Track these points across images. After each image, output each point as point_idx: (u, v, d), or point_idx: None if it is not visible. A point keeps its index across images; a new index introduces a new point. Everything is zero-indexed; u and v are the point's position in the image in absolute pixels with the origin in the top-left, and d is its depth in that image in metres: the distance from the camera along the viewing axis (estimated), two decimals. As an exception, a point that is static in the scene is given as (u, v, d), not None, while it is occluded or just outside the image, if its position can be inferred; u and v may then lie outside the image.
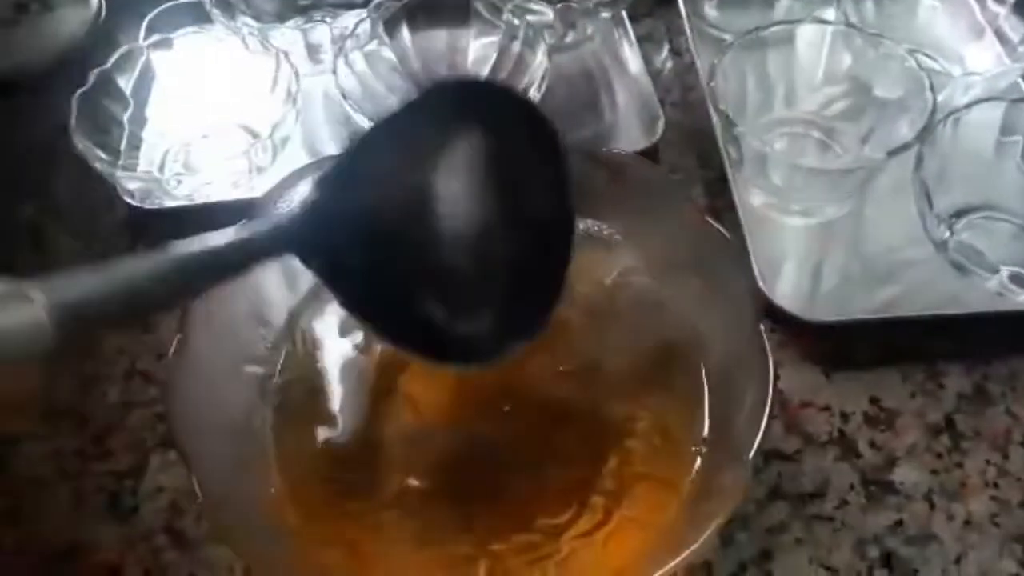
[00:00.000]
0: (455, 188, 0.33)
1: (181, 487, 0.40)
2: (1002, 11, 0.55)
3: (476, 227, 0.33)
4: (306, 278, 0.39)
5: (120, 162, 0.49)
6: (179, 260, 0.27)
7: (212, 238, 0.28)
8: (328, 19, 0.55)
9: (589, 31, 0.57)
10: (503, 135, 0.33)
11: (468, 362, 0.34)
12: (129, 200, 0.48)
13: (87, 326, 0.25)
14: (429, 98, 0.32)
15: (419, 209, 0.33)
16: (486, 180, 0.33)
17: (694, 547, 0.30)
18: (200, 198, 0.48)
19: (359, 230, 0.31)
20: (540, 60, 0.50)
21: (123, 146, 0.50)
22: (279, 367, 0.39)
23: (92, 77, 0.49)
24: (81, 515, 0.39)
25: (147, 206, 0.48)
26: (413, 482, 0.36)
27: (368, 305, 0.32)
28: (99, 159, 0.47)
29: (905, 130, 0.46)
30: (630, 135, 0.53)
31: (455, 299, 0.34)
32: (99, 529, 0.39)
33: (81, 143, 0.46)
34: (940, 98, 0.46)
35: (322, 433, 0.38)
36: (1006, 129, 0.48)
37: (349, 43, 0.51)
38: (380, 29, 0.53)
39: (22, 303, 0.23)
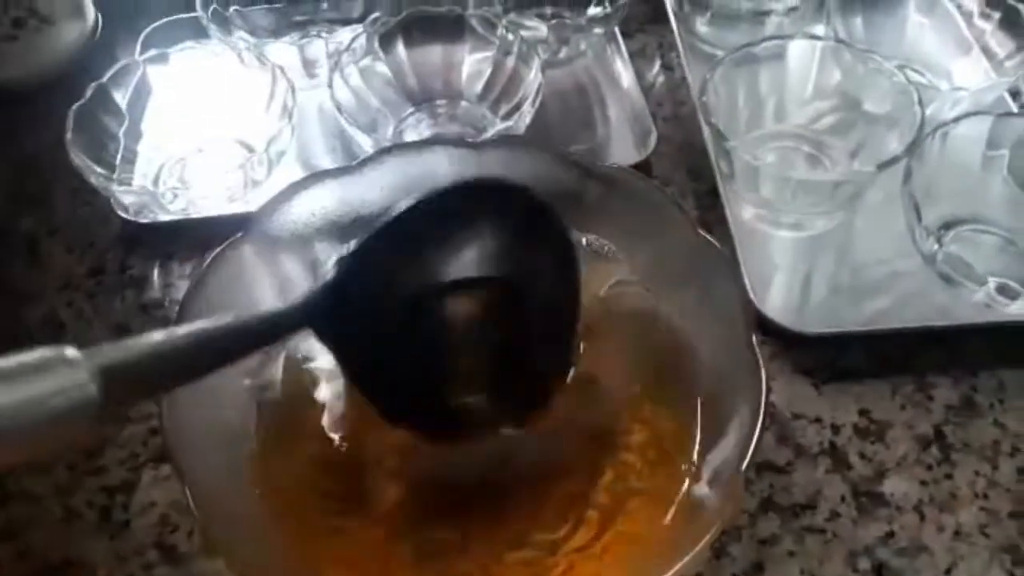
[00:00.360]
0: (467, 283, 0.35)
1: (173, 502, 0.40)
2: (988, 27, 0.55)
3: (482, 320, 0.36)
4: (300, 290, 0.40)
5: (115, 176, 0.49)
6: (216, 332, 0.29)
7: (244, 315, 0.31)
8: (324, 34, 0.55)
9: (582, 47, 0.58)
10: (518, 234, 0.35)
11: (462, 436, 0.36)
12: (124, 214, 0.49)
13: (130, 392, 0.26)
14: (449, 194, 0.34)
15: (431, 300, 0.35)
16: (497, 275, 0.36)
17: (687, 560, 0.30)
18: (195, 212, 0.48)
19: (372, 313, 0.33)
20: (534, 75, 0.51)
21: (118, 160, 0.50)
22: (272, 380, 0.39)
23: (89, 91, 0.49)
24: (73, 530, 0.39)
25: (142, 220, 0.49)
26: (408, 498, 0.36)
27: (374, 383, 0.34)
28: (95, 173, 0.47)
29: (894, 144, 0.47)
30: (623, 149, 0.53)
31: (460, 382, 0.36)
32: (90, 544, 0.39)
33: (77, 157, 0.46)
34: (928, 112, 0.47)
35: (315, 447, 0.37)
36: (992, 143, 0.48)
37: (345, 58, 0.51)
38: (376, 44, 0.53)
39: (65, 367, 0.23)
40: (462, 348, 0.36)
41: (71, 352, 0.24)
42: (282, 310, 0.32)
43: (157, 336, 0.27)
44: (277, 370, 0.39)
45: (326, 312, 0.32)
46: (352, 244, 0.33)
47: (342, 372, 0.35)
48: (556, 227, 0.35)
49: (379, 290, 0.33)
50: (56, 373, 0.23)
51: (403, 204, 0.33)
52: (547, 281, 0.36)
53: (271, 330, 0.31)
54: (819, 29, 0.57)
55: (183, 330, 0.28)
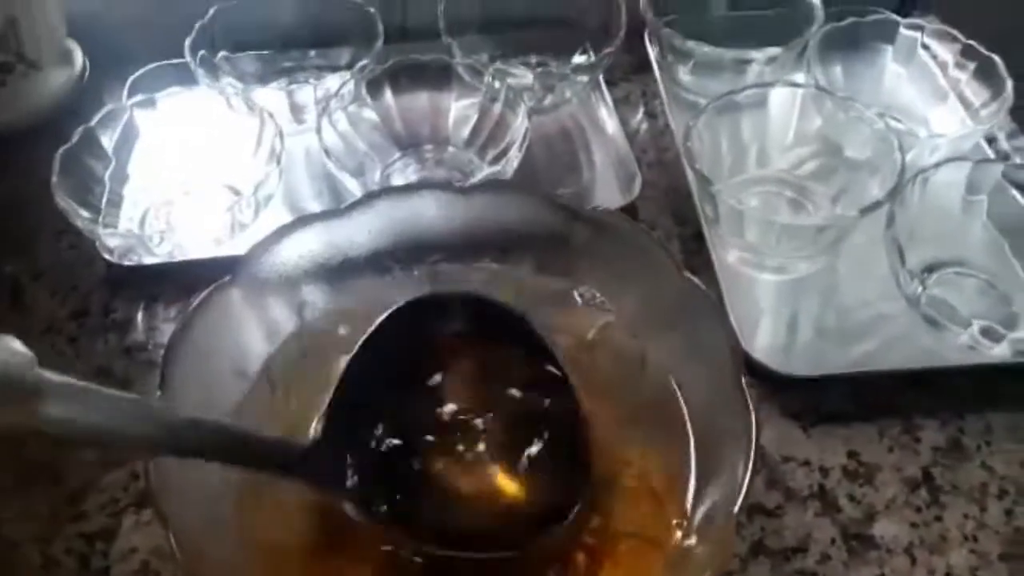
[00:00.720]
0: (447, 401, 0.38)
1: (155, 548, 0.39)
2: (963, 77, 0.57)
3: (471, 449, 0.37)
4: (286, 329, 0.39)
5: (101, 219, 0.49)
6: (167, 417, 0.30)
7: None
8: (312, 80, 0.56)
9: (567, 94, 0.59)
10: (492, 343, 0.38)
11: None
12: (109, 257, 0.48)
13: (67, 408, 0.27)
14: (404, 315, 0.37)
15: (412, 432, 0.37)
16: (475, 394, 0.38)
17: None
18: (181, 255, 0.48)
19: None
20: (520, 121, 0.51)
21: (104, 203, 0.50)
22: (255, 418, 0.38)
23: (76, 135, 0.49)
24: (51, 578, 0.38)
25: (127, 263, 0.48)
26: (390, 549, 0.35)
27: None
28: (80, 216, 0.47)
29: (875, 190, 0.48)
30: (608, 194, 0.54)
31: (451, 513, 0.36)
32: (69, 593, 0.38)
33: (62, 200, 0.46)
34: (908, 159, 0.48)
35: (299, 494, 0.37)
36: (972, 188, 0.49)
37: (333, 103, 0.52)
38: (363, 90, 0.54)
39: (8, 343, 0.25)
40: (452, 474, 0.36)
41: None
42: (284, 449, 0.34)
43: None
44: (256, 406, 0.38)
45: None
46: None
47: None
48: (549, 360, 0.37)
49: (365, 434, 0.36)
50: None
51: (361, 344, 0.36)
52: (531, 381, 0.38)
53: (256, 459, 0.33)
54: (799, 78, 0.58)
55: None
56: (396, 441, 0.37)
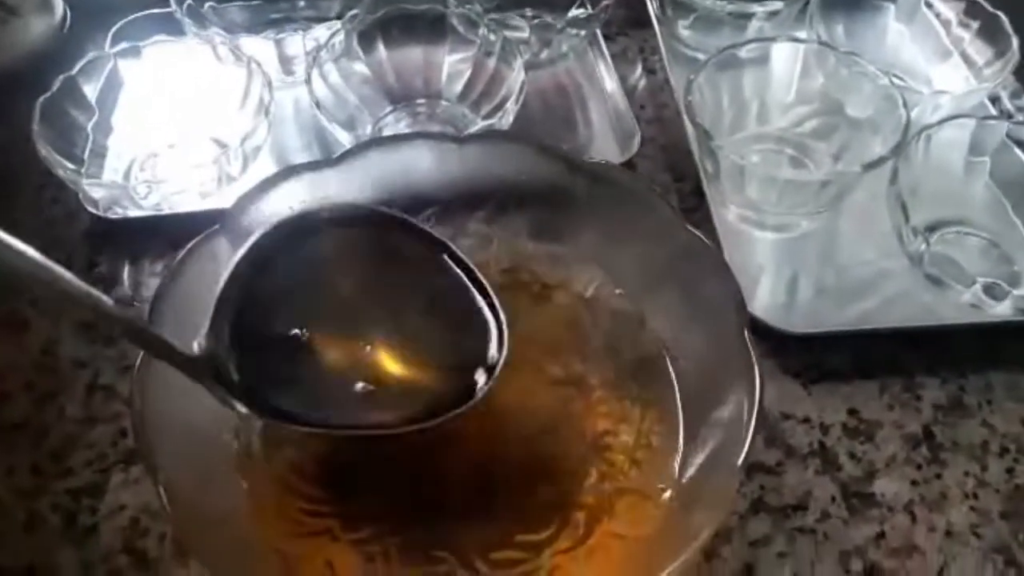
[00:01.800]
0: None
1: (144, 505, 0.38)
2: (967, 35, 0.56)
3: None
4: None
5: (84, 170, 0.47)
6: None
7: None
8: (301, 30, 0.54)
9: (564, 49, 0.57)
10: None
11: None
12: (93, 210, 0.47)
13: None
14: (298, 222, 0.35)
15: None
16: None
17: (678, 562, 0.29)
18: (167, 208, 0.47)
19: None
20: (516, 74, 0.50)
21: (87, 154, 0.49)
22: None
23: (56, 83, 0.48)
24: (37, 536, 0.37)
25: (111, 216, 0.47)
26: (392, 499, 0.35)
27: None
28: (62, 166, 0.45)
29: (877, 148, 0.47)
30: (606, 150, 0.53)
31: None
32: (55, 551, 0.37)
33: (44, 149, 0.45)
34: (911, 116, 0.47)
35: (295, 449, 0.36)
36: (975, 149, 0.49)
37: (323, 54, 0.50)
38: (355, 42, 0.52)
39: None
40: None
41: None
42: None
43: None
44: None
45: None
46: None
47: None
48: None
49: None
50: None
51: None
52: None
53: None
54: (801, 34, 0.57)
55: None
56: (288, 334, 0.35)
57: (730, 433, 0.32)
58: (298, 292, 0.35)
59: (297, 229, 0.35)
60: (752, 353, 0.33)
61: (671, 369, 0.38)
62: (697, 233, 0.37)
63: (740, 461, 0.31)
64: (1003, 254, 0.47)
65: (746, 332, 0.33)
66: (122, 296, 0.46)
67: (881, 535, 0.38)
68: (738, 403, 0.32)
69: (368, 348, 0.35)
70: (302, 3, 0.59)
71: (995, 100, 0.56)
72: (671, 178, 0.52)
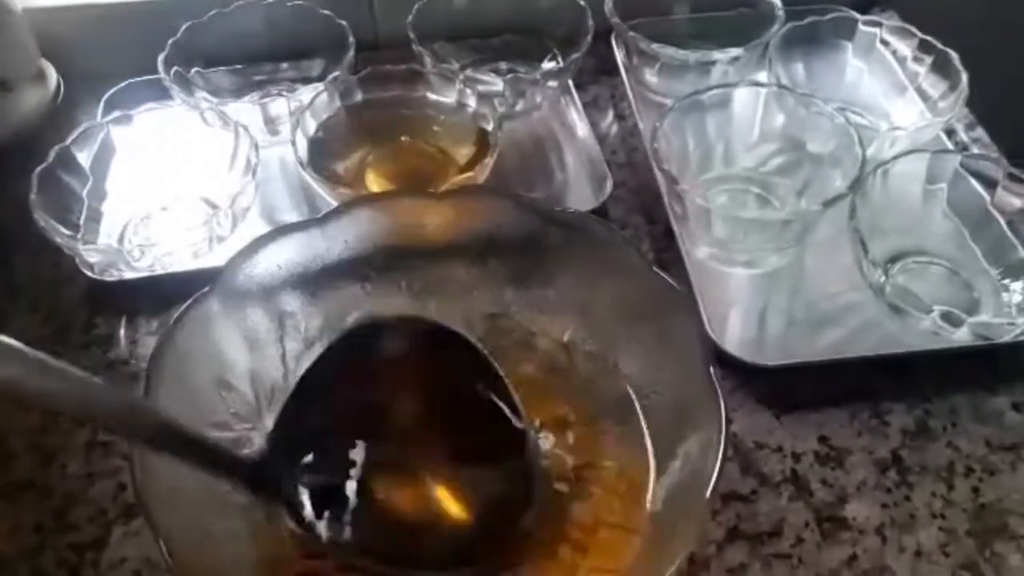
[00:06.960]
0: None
1: (146, 557, 0.39)
2: (921, 71, 0.59)
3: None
4: (268, 341, 0.40)
5: (80, 236, 0.49)
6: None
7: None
8: (285, 92, 0.56)
9: (538, 99, 0.60)
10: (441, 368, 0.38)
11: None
12: (89, 273, 0.49)
13: None
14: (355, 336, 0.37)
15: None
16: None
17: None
18: (161, 269, 0.49)
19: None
20: (491, 128, 0.52)
21: (83, 220, 0.51)
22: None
23: (52, 154, 0.50)
24: (41, 592, 0.39)
25: (107, 279, 0.49)
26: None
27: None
28: (59, 233, 0.47)
29: (838, 182, 0.49)
30: (580, 195, 0.55)
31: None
32: (61, 605, 0.38)
33: (41, 218, 0.47)
34: (869, 152, 0.49)
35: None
36: (931, 178, 0.51)
37: (307, 114, 0.53)
38: (337, 100, 0.54)
39: None
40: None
41: None
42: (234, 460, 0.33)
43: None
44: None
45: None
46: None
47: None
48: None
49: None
50: None
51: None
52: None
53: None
54: (762, 76, 0.59)
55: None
56: (343, 460, 0.37)
57: (700, 465, 0.34)
58: (355, 412, 0.38)
59: (361, 342, 0.38)
60: (718, 389, 0.34)
61: (638, 407, 0.40)
62: (664, 275, 0.39)
63: (711, 487, 0.32)
64: (963, 281, 0.49)
65: (712, 368, 0.35)
66: (119, 355, 0.47)
67: (854, 557, 0.40)
68: (707, 437, 0.34)
69: (415, 480, 0.37)
70: (284, 65, 0.61)
71: (951, 133, 0.58)
72: (643, 220, 0.54)
